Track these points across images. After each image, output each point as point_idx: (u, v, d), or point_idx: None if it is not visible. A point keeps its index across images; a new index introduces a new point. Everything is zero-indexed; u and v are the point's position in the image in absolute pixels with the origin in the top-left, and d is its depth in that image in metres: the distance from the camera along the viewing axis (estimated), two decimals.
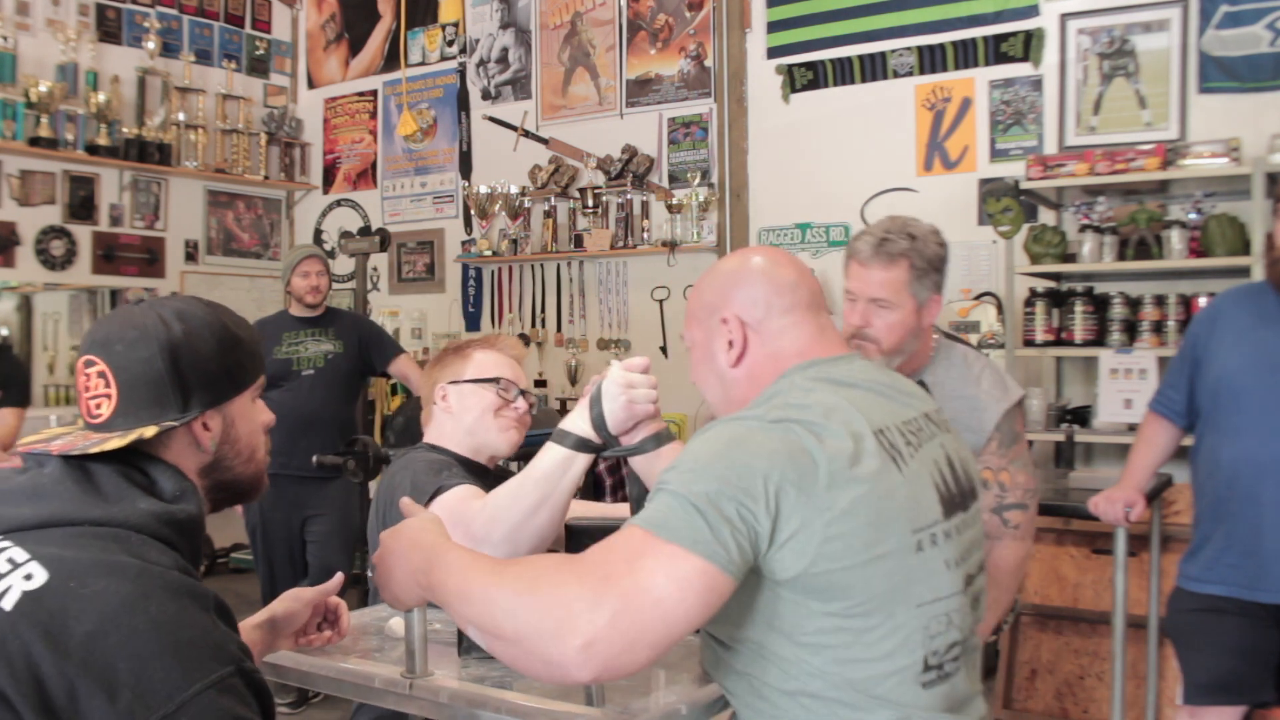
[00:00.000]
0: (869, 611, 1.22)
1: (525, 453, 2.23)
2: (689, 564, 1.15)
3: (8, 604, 1.02)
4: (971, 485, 1.41)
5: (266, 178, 6.18)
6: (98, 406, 1.20)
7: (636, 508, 1.70)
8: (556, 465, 1.64)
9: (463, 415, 2.08)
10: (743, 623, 1.26)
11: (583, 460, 1.64)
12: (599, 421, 1.60)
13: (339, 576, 1.56)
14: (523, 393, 2.13)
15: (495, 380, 2.08)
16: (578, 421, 1.64)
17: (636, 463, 1.66)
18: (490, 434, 2.07)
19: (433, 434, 2.11)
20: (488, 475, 2.07)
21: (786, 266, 1.44)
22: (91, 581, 1.03)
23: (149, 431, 1.17)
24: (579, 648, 1.12)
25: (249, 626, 1.47)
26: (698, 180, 4.92)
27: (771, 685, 1.26)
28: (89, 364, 1.21)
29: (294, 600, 1.52)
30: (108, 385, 1.20)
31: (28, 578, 1.04)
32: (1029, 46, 4.25)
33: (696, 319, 1.47)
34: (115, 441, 1.16)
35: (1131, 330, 3.78)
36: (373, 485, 4.28)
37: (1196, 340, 2.64)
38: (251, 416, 1.29)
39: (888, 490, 1.24)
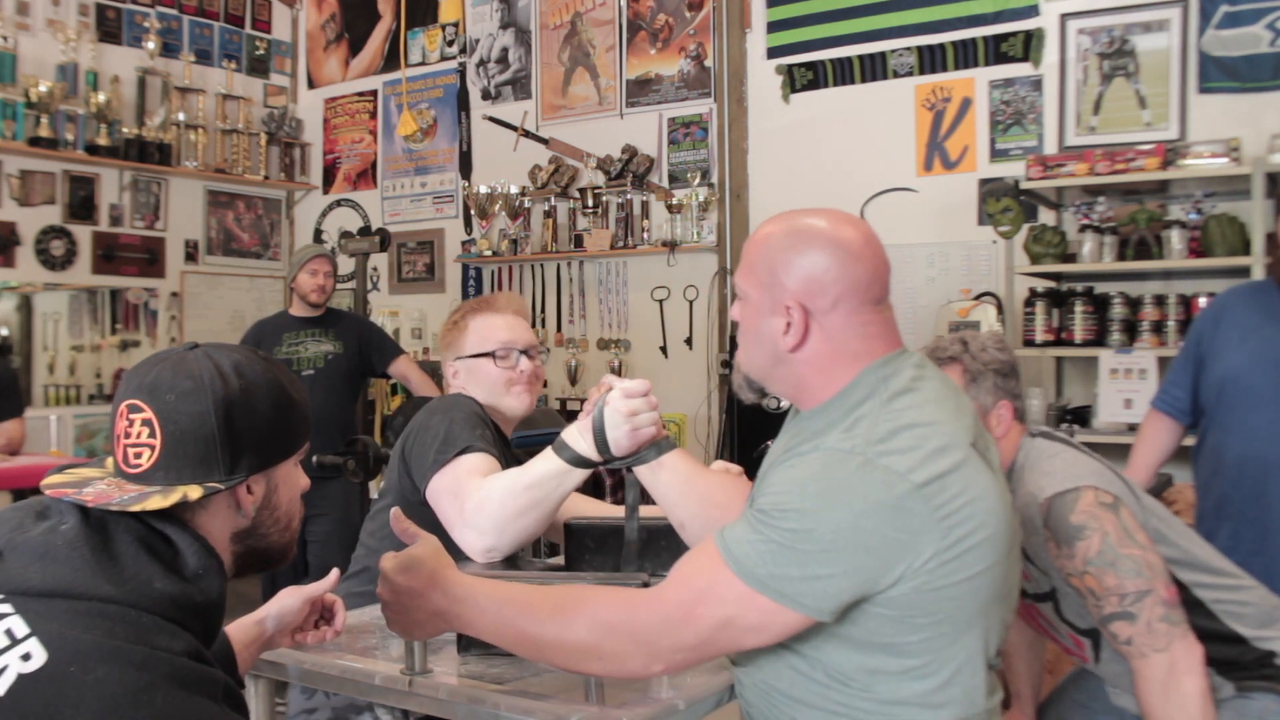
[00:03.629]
0: (972, 617, 1.25)
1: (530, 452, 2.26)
2: (781, 616, 1.21)
3: (2, 688, 0.95)
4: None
5: (266, 178, 6.18)
6: (137, 456, 1.12)
7: (633, 513, 1.73)
8: (552, 475, 1.66)
9: (475, 390, 2.08)
10: (831, 635, 1.26)
11: (579, 474, 1.67)
12: (602, 444, 1.62)
13: (334, 574, 1.56)
14: (525, 353, 2.10)
15: (492, 353, 2.07)
16: (579, 440, 1.65)
17: (639, 471, 1.66)
18: (502, 401, 2.08)
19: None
20: (507, 445, 2.10)
21: (865, 260, 1.34)
22: (93, 667, 0.95)
23: (194, 493, 1.09)
24: (660, 670, 1.27)
25: (247, 624, 1.47)
26: (698, 180, 4.92)
27: (861, 692, 1.26)
28: (134, 409, 1.12)
29: (291, 597, 1.50)
30: (152, 435, 1.11)
31: (25, 658, 0.96)
32: (1029, 46, 4.24)
33: (755, 274, 1.39)
34: (156, 500, 1.08)
35: (1131, 330, 3.78)
36: (373, 485, 4.29)
37: (1201, 337, 2.63)
38: (293, 482, 1.24)
39: (994, 504, 1.25)
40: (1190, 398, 2.64)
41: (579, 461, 1.65)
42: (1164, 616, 1.67)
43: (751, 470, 1.97)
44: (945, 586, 1.21)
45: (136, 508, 1.07)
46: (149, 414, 1.12)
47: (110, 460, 1.17)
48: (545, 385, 5.38)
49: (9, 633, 0.98)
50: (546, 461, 1.67)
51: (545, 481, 1.66)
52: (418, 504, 1.85)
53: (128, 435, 1.13)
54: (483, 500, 1.69)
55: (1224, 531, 2.48)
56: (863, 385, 1.31)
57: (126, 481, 1.12)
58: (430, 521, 1.75)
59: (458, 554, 1.70)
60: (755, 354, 1.40)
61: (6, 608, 1.00)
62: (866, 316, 1.34)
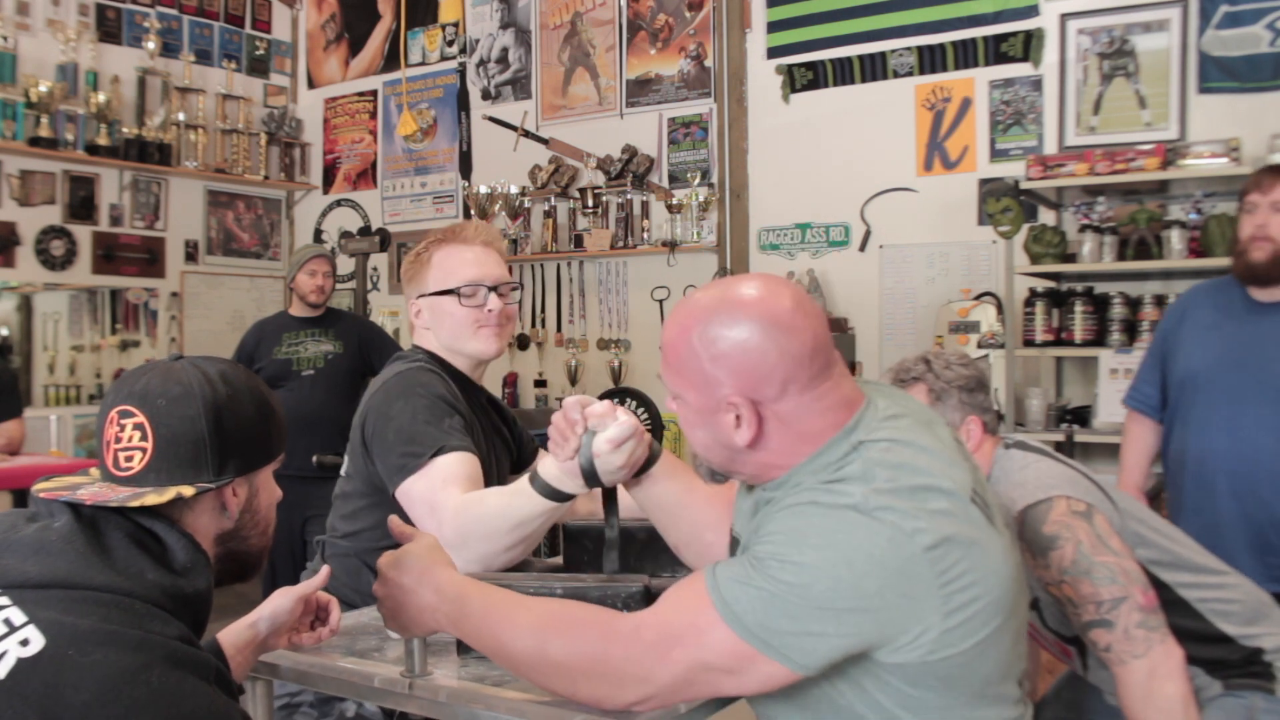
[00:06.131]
0: (985, 679, 1.20)
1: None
2: (764, 667, 1.15)
3: (2, 671, 0.98)
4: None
5: (266, 178, 6.18)
6: (128, 459, 1.16)
7: (612, 516, 1.65)
8: (538, 514, 1.59)
9: (439, 330, 1.94)
10: (841, 693, 1.21)
11: (567, 505, 1.60)
12: (594, 482, 1.53)
13: (325, 570, 1.54)
14: (494, 290, 1.93)
15: (456, 291, 1.90)
16: (566, 480, 1.54)
17: (632, 491, 1.61)
18: (469, 345, 1.93)
19: (419, 341, 2.00)
20: (478, 397, 1.98)
21: (800, 329, 1.22)
22: (91, 650, 0.99)
23: (188, 491, 1.14)
24: (629, 702, 1.22)
25: (242, 626, 1.47)
26: (698, 180, 4.92)
27: None
28: (125, 414, 1.17)
29: (283, 598, 1.50)
30: (144, 438, 1.16)
31: (24, 643, 1.00)
32: (1029, 46, 4.24)
33: (684, 376, 1.26)
34: (152, 498, 1.13)
35: (1131, 330, 3.78)
36: None
37: (1166, 335, 2.73)
38: (271, 489, 1.29)
39: (996, 565, 1.19)
40: (1160, 394, 2.74)
41: (566, 498, 1.57)
42: (1141, 622, 1.67)
43: None
44: (951, 655, 1.15)
45: (135, 504, 1.12)
46: (141, 418, 1.17)
47: (94, 469, 1.21)
48: (545, 385, 5.38)
49: (7, 621, 1.02)
50: (532, 503, 1.58)
51: (532, 520, 1.59)
52: (385, 489, 1.78)
53: (118, 440, 1.17)
54: (466, 532, 1.61)
55: (1187, 527, 2.50)
56: (836, 450, 1.22)
57: (117, 484, 1.16)
58: (402, 511, 1.71)
59: None
60: (710, 451, 1.30)
61: (3, 599, 1.04)
62: (821, 388, 1.23)
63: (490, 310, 1.92)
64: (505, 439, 2.06)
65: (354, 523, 1.91)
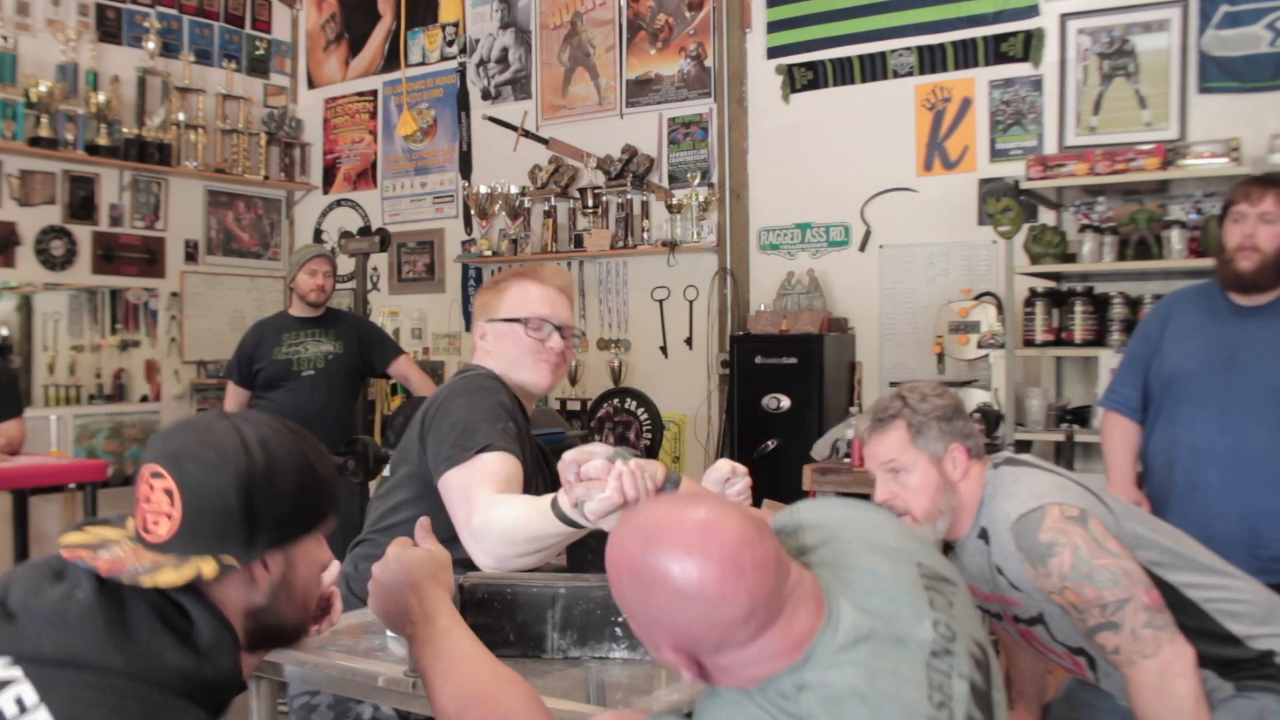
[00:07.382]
0: None
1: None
2: None
3: None
4: (987, 654, 1.26)
5: (266, 178, 6.18)
6: (155, 524, 1.12)
7: None
8: (554, 534, 1.61)
9: (500, 355, 2.01)
10: None
11: (584, 531, 1.61)
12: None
13: (335, 566, 1.55)
14: (558, 329, 2.02)
15: (525, 320, 1.99)
16: (581, 518, 1.56)
17: None
18: (525, 374, 2.01)
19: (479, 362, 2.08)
20: (527, 423, 2.02)
21: (731, 597, 1.08)
22: None
23: (208, 569, 1.09)
24: None
25: None
26: (698, 180, 4.92)
27: None
28: (156, 475, 1.12)
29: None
30: (171, 504, 1.11)
31: None
32: (1029, 46, 4.25)
33: (626, 610, 1.19)
34: (169, 575, 1.07)
35: (1131, 330, 3.77)
36: (373, 485, 4.30)
37: (1148, 338, 2.80)
38: (313, 559, 1.22)
39: None
40: (1140, 396, 2.79)
41: (581, 527, 1.59)
42: (1148, 622, 1.66)
43: (754, 469, 1.97)
44: None
45: (148, 582, 1.07)
46: (170, 483, 1.11)
47: (131, 522, 1.16)
48: None
49: (19, 701, 0.99)
50: (548, 522, 1.60)
51: (547, 538, 1.62)
52: (434, 485, 1.83)
53: (148, 501, 1.13)
54: (485, 526, 1.67)
55: (1172, 519, 2.52)
56: (782, 683, 1.13)
57: (143, 548, 1.12)
58: (441, 505, 1.77)
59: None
60: (672, 666, 1.22)
61: (16, 672, 1.01)
62: (764, 638, 1.12)
63: (551, 346, 2.01)
64: (545, 476, 2.08)
65: (395, 515, 1.94)
